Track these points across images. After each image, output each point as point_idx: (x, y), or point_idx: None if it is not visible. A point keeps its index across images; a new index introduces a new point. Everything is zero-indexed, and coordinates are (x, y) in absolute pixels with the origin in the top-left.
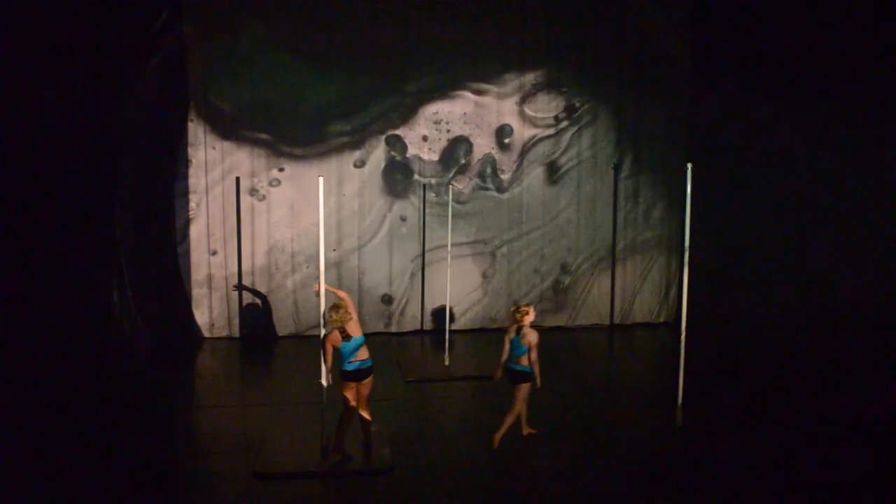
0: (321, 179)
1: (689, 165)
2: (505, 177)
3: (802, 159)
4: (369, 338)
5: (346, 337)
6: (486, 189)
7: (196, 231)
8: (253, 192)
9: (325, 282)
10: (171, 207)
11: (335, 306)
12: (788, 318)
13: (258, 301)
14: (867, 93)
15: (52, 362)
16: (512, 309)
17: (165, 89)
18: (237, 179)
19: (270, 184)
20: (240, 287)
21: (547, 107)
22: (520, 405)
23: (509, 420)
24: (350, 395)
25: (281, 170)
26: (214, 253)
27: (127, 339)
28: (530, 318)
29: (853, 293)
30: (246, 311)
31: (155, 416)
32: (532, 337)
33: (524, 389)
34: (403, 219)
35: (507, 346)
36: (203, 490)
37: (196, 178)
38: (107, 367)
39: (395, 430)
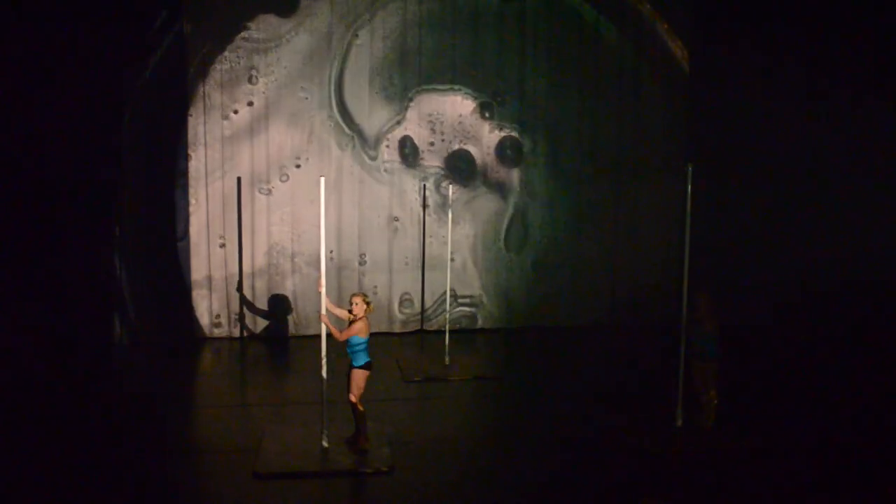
0: (322, 180)
1: (690, 166)
2: (499, 176)
3: (802, 158)
4: (369, 337)
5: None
6: (485, 190)
7: (196, 230)
8: (262, 189)
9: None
10: (171, 206)
11: (364, 295)
12: (789, 316)
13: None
14: (867, 91)
15: (50, 362)
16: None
17: (165, 86)
18: (238, 179)
19: (264, 192)
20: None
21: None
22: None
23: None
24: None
25: (285, 178)
26: (223, 245)
27: (126, 337)
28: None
29: (853, 291)
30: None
31: (154, 415)
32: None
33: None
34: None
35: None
36: (203, 490)
37: (196, 178)
38: (106, 366)
39: (395, 430)
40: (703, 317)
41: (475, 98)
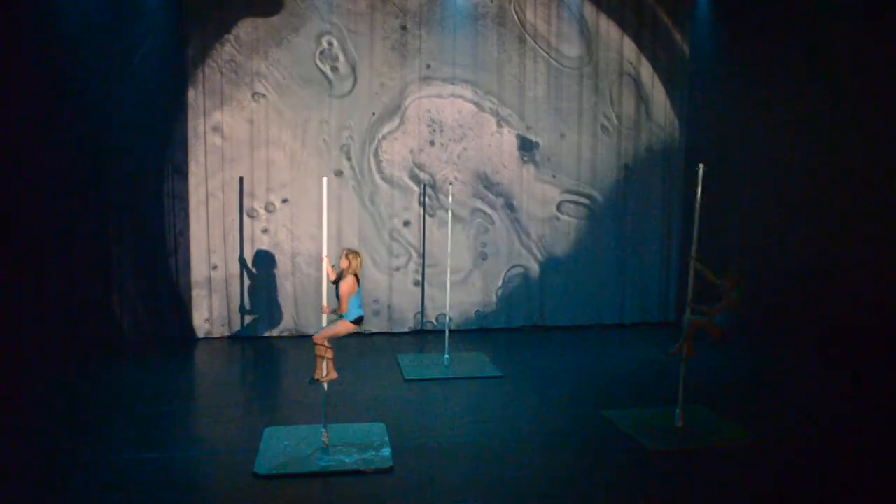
0: (325, 180)
1: (701, 166)
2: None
3: (802, 158)
4: (369, 338)
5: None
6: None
7: (196, 231)
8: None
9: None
10: (172, 206)
11: (354, 252)
12: (790, 314)
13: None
14: (867, 90)
15: (48, 361)
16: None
17: (160, 80)
18: (240, 179)
19: (263, 198)
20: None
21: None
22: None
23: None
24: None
25: (285, 178)
26: (215, 267)
27: (126, 337)
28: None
29: (854, 290)
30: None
31: (154, 415)
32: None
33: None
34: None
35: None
36: (203, 490)
37: (196, 178)
38: (105, 365)
39: (395, 429)
40: (724, 294)
41: (475, 99)
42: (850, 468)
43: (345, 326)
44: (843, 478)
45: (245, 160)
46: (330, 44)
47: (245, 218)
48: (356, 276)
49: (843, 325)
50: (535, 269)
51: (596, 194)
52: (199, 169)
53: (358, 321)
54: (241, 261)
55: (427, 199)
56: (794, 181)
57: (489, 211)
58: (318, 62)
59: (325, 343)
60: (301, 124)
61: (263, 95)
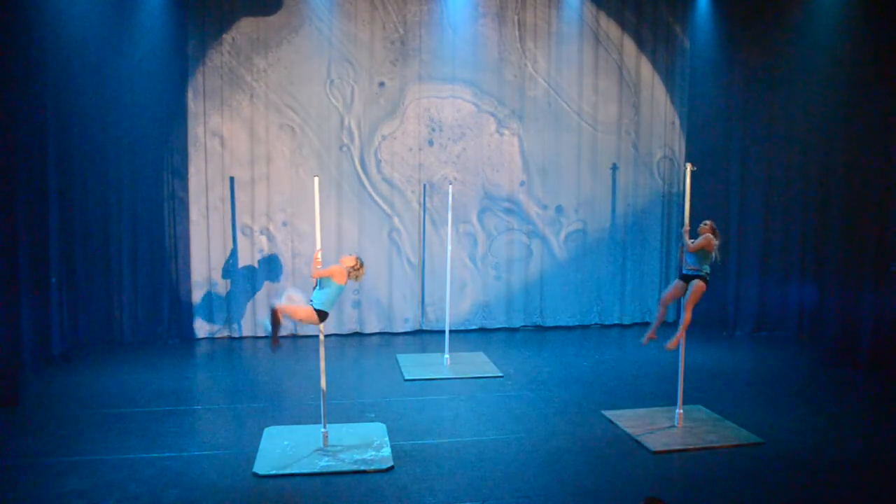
0: (316, 180)
1: (689, 165)
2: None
3: (801, 156)
4: (369, 337)
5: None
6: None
7: (196, 231)
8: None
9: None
10: (172, 206)
11: (361, 263)
12: (788, 312)
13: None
14: (866, 89)
15: (48, 361)
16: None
17: (159, 81)
18: (231, 179)
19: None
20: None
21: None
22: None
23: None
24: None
25: (284, 179)
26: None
27: (126, 336)
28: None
29: (851, 287)
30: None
31: (154, 415)
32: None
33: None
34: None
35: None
36: (203, 490)
37: (197, 178)
38: (105, 365)
39: (395, 429)
40: (702, 240)
41: (472, 105)
42: (851, 468)
43: (305, 312)
44: (844, 478)
45: (245, 163)
46: (330, 43)
47: (244, 223)
48: (349, 278)
49: (842, 323)
50: (535, 268)
51: (596, 195)
52: (198, 172)
53: (321, 314)
54: (235, 257)
55: (428, 203)
56: (793, 180)
57: (488, 209)
58: (318, 63)
59: (280, 315)
60: (299, 124)
61: (265, 95)
